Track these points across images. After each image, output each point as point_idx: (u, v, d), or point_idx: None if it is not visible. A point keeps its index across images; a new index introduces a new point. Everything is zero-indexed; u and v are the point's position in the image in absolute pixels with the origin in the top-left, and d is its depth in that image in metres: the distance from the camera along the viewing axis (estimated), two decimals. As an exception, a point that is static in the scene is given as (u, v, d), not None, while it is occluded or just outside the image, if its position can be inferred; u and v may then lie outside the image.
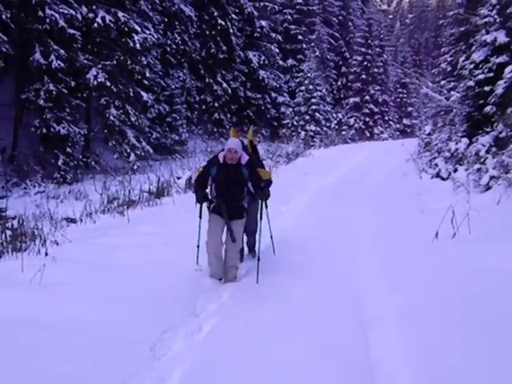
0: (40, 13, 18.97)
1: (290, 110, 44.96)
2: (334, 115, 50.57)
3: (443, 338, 5.36)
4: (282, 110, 44.61)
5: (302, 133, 42.49)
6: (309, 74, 43.97)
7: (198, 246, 8.33)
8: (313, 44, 52.25)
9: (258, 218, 8.50)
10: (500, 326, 5.36)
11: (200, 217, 8.19)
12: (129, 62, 23.43)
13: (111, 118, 22.80)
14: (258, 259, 8.06)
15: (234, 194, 7.81)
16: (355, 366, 5.13)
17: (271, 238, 9.43)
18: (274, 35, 44.36)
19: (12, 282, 7.07)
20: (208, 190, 8.08)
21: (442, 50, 34.80)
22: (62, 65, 19.50)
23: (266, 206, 8.70)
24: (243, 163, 7.66)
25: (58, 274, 7.33)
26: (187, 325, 6.27)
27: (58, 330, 5.63)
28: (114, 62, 22.93)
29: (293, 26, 52.16)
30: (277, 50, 44.61)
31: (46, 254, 8.54)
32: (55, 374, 4.82)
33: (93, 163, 22.91)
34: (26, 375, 4.73)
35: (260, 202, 8.43)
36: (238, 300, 7.23)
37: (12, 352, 5.11)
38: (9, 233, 10.01)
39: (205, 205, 8.17)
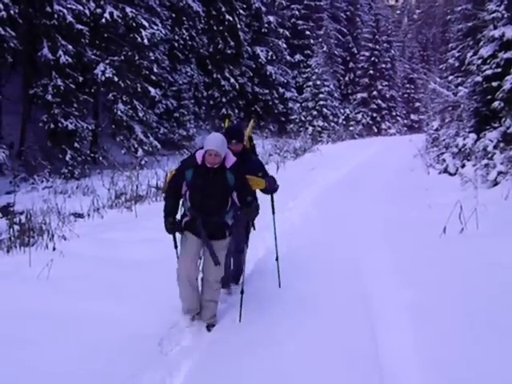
0: (48, 8, 19.01)
1: (298, 105, 44.91)
2: (342, 111, 50.51)
3: (451, 332, 5.36)
4: (290, 105, 44.54)
5: (310, 128, 42.44)
6: (316, 70, 43.90)
7: None
8: (320, 39, 52.12)
9: (248, 234, 7.30)
10: (507, 321, 5.36)
11: (175, 246, 6.40)
12: (136, 58, 23.46)
13: (119, 113, 22.83)
14: (242, 292, 6.51)
15: (215, 207, 6.07)
16: (364, 361, 5.13)
17: (277, 260, 7.70)
18: (281, 30, 44.28)
19: (20, 276, 7.11)
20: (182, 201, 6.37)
21: (450, 45, 34.67)
22: (70, 60, 19.55)
23: (274, 212, 7.80)
24: (228, 166, 5.92)
25: (66, 268, 7.37)
26: (193, 324, 6.32)
27: (65, 324, 5.67)
28: (122, 57, 22.97)
29: (300, 22, 52.08)
30: (284, 46, 44.56)
31: (54, 249, 8.58)
32: (61, 368, 4.86)
33: (100, 158, 22.96)
34: (33, 368, 4.78)
35: (270, 200, 7.59)
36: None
37: (21, 345, 5.16)
38: (17, 228, 10.07)
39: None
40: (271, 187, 7.13)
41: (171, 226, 6.13)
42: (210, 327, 6.35)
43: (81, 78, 21.03)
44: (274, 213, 7.80)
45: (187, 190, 6.10)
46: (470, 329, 5.35)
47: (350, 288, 7.18)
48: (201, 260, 6.36)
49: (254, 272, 8.27)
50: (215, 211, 6.10)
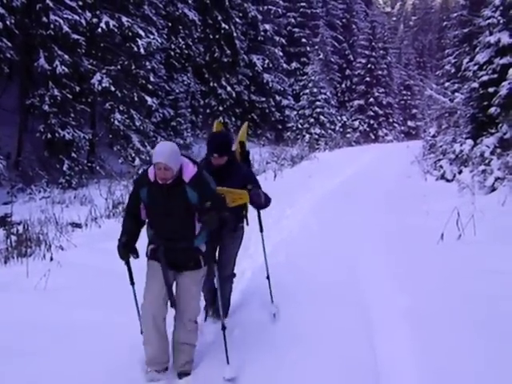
0: (44, 18, 19.00)
1: (295, 113, 45.02)
2: (339, 118, 50.67)
3: (449, 339, 5.36)
4: (287, 113, 44.61)
5: (307, 136, 42.55)
6: (313, 77, 44.05)
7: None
8: (317, 47, 52.22)
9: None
10: (505, 327, 5.36)
11: (131, 282, 5.50)
12: (133, 67, 23.44)
13: (116, 122, 22.80)
14: (223, 328, 5.38)
15: (178, 230, 5.09)
16: (362, 368, 5.12)
17: (268, 278, 7.07)
18: (277, 38, 44.37)
19: (17, 287, 7.10)
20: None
21: (446, 51, 34.85)
22: (67, 70, 19.51)
23: (262, 230, 7.04)
24: (187, 180, 4.93)
25: (63, 278, 7.35)
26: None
27: (64, 335, 5.66)
28: (119, 66, 22.95)
29: (296, 29, 52.23)
30: (281, 54, 44.64)
31: (51, 259, 8.55)
32: (61, 378, 4.85)
33: (98, 168, 22.92)
34: (32, 379, 4.77)
35: (258, 216, 6.83)
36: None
37: (20, 356, 5.16)
38: (14, 238, 10.04)
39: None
40: (256, 202, 6.23)
41: (123, 248, 5.16)
42: (182, 376, 5.24)
43: (77, 88, 21.00)
44: (261, 230, 7.04)
45: (145, 212, 5.20)
46: (468, 336, 5.35)
47: (348, 295, 7.17)
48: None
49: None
50: (180, 236, 5.10)
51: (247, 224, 6.63)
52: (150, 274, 5.23)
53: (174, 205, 4.96)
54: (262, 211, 6.86)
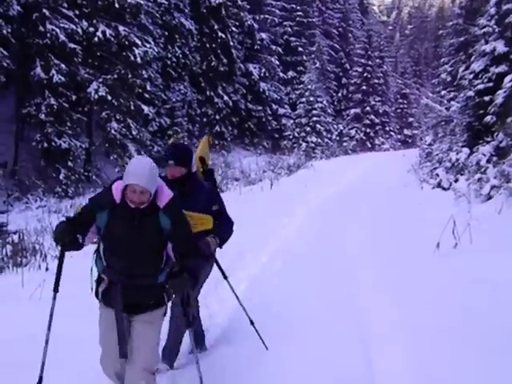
0: (41, 27, 19.05)
1: (291, 121, 45.13)
2: (335, 126, 50.78)
3: (446, 350, 5.33)
4: (283, 121, 44.74)
5: (303, 144, 42.65)
6: (309, 86, 44.16)
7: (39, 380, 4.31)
8: (313, 56, 52.41)
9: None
10: (503, 338, 5.34)
11: (55, 289, 4.50)
12: (129, 76, 23.48)
13: (112, 131, 22.82)
14: (197, 362, 4.42)
15: (144, 265, 4.19)
16: (357, 379, 5.10)
17: (252, 324, 5.97)
18: (274, 47, 44.61)
19: (12, 297, 7.08)
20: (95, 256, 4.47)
21: (442, 60, 34.91)
22: (63, 79, 19.55)
23: (225, 277, 6.08)
24: (162, 205, 4.10)
25: (59, 289, 7.32)
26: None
27: (62, 346, 5.62)
28: (115, 75, 22.98)
29: (293, 38, 52.37)
30: (277, 62, 44.82)
31: (47, 269, 8.54)
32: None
33: (94, 177, 22.94)
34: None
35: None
36: None
37: (12, 368, 5.12)
38: (9, 248, 10.03)
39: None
40: (204, 251, 5.16)
41: (68, 226, 4.08)
42: None
43: (74, 97, 21.05)
44: (225, 277, 6.05)
45: (100, 241, 4.27)
46: (464, 347, 5.33)
47: (344, 306, 7.15)
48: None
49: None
50: (144, 271, 4.21)
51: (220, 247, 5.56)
52: (106, 322, 4.36)
53: (143, 234, 4.06)
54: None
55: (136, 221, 4.03)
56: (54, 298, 4.45)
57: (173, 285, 4.20)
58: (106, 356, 4.38)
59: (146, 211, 4.03)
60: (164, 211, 4.09)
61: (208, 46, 36.48)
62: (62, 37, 19.53)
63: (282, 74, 46.92)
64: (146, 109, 24.48)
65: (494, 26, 16.74)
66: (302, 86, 45.99)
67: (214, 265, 5.83)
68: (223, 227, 5.54)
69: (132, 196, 3.93)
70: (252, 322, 5.96)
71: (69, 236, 4.06)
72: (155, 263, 4.23)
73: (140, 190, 3.88)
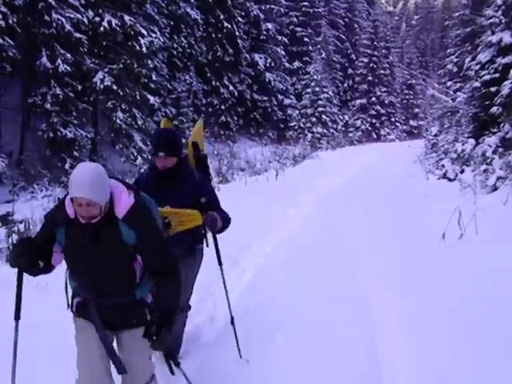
0: (46, 17, 19.01)
1: (297, 112, 45.06)
2: (341, 117, 50.67)
3: (451, 342, 5.33)
4: (289, 112, 44.70)
5: (309, 135, 42.61)
6: (315, 76, 44.08)
7: None
8: (319, 46, 52.31)
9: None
10: (508, 328, 5.34)
11: (16, 317, 3.90)
12: (135, 66, 23.43)
13: (118, 121, 22.80)
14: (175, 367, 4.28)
15: (113, 283, 3.74)
16: (362, 370, 5.11)
17: (232, 323, 5.57)
18: (280, 38, 44.49)
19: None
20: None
21: (448, 51, 34.82)
22: (69, 69, 19.52)
23: (220, 263, 5.57)
24: (121, 216, 3.56)
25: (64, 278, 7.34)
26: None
27: (62, 333, 5.64)
28: (121, 65, 22.94)
29: (299, 29, 52.23)
30: (283, 53, 44.72)
31: (53, 257, 8.54)
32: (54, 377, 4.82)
33: (100, 167, 22.93)
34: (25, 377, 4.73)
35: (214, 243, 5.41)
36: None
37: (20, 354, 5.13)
38: (15, 237, 10.04)
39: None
40: (212, 227, 5.00)
41: (17, 253, 3.62)
42: None
43: (80, 87, 21.02)
44: (220, 263, 5.56)
45: (63, 258, 3.79)
46: (470, 338, 5.32)
47: (348, 296, 7.15)
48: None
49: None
50: (115, 289, 3.77)
51: (207, 245, 5.41)
52: (82, 339, 3.89)
53: (104, 251, 3.59)
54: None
55: (92, 237, 3.53)
56: (16, 328, 3.88)
57: (153, 345, 3.77)
58: (85, 378, 3.77)
59: (101, 224, 3.52)
60: (124, 221, 3.56)
61: (214, 35, 36.39)
62: (68, 26, 19.49)
63: (287, 65, 46.84)
64: (151, 99, 24.46)
65: (501, 17, 16.66)
66: (307, 76, 45.92)
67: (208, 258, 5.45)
68: (221, 214, 5.09)
69: (79, 210, 3.43)
70: (232, 321, 5.55)
71: (25, 258, 3.59)
72: (126, 280, 3.74)
73: (85, 202, 3.35)
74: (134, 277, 3.75)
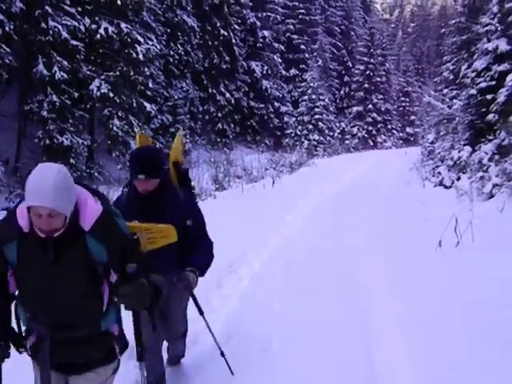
0: (43, 24, 19.02)
1: (293, 119, 45.17)
2: (337, 124, 50.78)
3: (448, 347, 5.33)
4: (285, 119, 44.79)
5: (306, 142, 42.68)
6: (311, 84, 44.19)
7: None
8: (315, 53, 52.40)
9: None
10: (504, 334, 5.35)
11: None
12: (132, 73, 23.45)
13: (114, 128, 22.79)
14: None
15: (73, 311, 3.09)
16: (359, 374, 5.11)
17: (222, 355, 5.12)
18: (276, 45, 44.60)
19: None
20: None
21: (444, 58, 34.88)
22: (65, 76, 19.51)
23: (201, 312, 4.99)
24: (87, 228, 2.96)
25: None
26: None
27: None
28: (117, 72, 22.96)
29: (295, 36, 52.35)
30: (279, 60, 44.83)
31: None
32: None
33: (96, 174, 22.90)
34: None
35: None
36: None
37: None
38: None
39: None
40: (188, 290, 4.65)
41: None
42: None
43: (76, 94, 21.00)
44: (201, 313, 4.98)
45: (14, 282, 3.08)
46: (466, 344, 5.33)
47: (345, 301, 7.15)
48: None
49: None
50: (77, 319, 3.12)
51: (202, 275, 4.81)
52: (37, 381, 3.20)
53: (67, 272, 2.95)
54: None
55: (51, 254, 2.89)
56: None
57: (124, 294, 2.91)
58: None
59: (64, 239, 2.89)
60: (92, 234, 2.94)
61: (210, 43, 36.50)
62: (65, 34, 19.50)
63: (284, 72, 46.94)
64: (148, 106, 24.46)
65: (497, 25, 16.73)
66: (304, 83, 46.04)
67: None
68: (202, 252, 4.66)
69: (38, 222, 2.78)
70: (222, 354, 5.10)
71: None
72: (92, 307, 3.12)
73: (47, 212, 2.71)
74: (101, 303, 3.13)
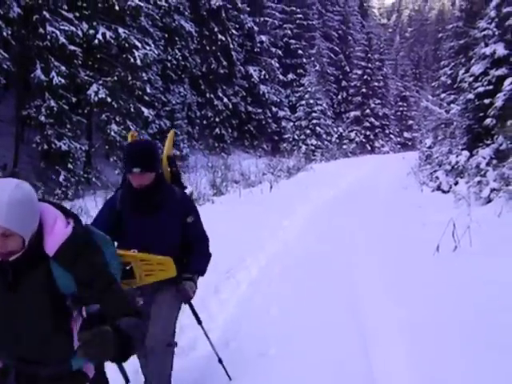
0: (41, 30, 19.03)
1: (291, 124, 45.20)
2: (335, 129, 50.83)
3: (446, 351, 5.32)
4: (283, 124, 44.84)
5: (303, 147, 42.70)
6: (309, 89, 44.20)
7: None
8: (313, 58, 52.49)
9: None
10: (503, 339, 5.34)
11: None
12: (129, 78, 23.46)
13: (112, 133, 22.78)
14: None
15: (38, 345, 2.61)
16: (357, 379, 5.10)
17: (220, 362, 5.02)
18: (274, 50, 44.67)
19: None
20: None
21: (442, 63, 34.99)
22: (63, 81, 19.52)
23: (199, 321, 4.84)
24: (52, 252, 2.47)
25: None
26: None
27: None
28: (115, 77, 22.98)
29: (293, 41, 52.46)
30: (277, 65, 44.92)
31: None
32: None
33: (94, 179, 22.89)
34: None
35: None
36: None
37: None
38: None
39: None
40: (186, 299, 4.39)
41: None
42: None
43: (74, 99, 21.02)
44: (199, 322, 4.83)
45: None
46: (465, 348, 5.32)
47: (343, 306, 7.14)
48: None
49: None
50: (44, 355, 2.67)
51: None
52: None
53: (27, 301, 2.51)
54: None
55: (9, 280, 2.49)
56: None
57: (82, 341, 2.19)
58: None
59: (22, 264, 2.47)
60: (57, 260, 2.49)
61: (208, 48, 36.53)
62: (62, 39, 19.51)
63: (281, 77, 47.05)
64: (145, 111, 24.47)
65: (494, 29, 16.74)
66: (301, 88, 46.04)
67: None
68: (201, 253, 4.52)
69: None
70: (220, 361, 4.99)
71: None
72: (59, 343, 2.65)
73: (0, 232, 2.32)
74: (71, 339, 2.65)
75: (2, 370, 2.73)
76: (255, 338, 6.13)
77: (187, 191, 5.17)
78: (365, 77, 56.53)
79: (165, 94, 30.40)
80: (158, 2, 29.43)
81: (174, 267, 3.89)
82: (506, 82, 15.18)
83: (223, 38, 36.64)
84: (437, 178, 18.69)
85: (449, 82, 30.39)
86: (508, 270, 7.11)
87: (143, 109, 24.34)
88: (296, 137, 44.04)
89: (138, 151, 4.11)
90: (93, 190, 20.99)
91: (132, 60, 23.14)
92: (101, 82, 22.39)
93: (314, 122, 44.18)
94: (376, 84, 56.74)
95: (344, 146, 51.40)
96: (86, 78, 21.88)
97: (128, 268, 3.22)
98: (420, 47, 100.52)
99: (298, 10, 54.27)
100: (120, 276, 2.86)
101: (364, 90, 56.34)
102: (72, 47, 20.21)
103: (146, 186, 4.09)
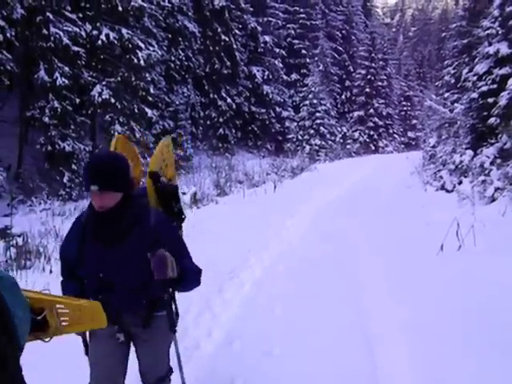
0: (44, 31, 19.05)
1: (295, 124, 45.16)
2: (339, 129, 50.73)
3: (450, 351, 5.32)
4: (287, 124, 44.80)
5: (307, 147, 42.65)
6: (313, 89, 44.15)
7: None
8: (316, 58, 52.44)
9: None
10: (507, 338, 5.33)
11: None
12: (133, 79, 23.46)
13: (116, 134, 22.74)
14: None
15: None
16: (361, 379, 5.09)
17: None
18: (277, 50, 44.65)
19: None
20: None
21: (446, 62, 34.96)
22: (67, 82, 19.54)
23: (174, 329, 3.66)
24: None
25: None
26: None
27: (59, 351, 5.60)
28: (119, 78, 22.98)
29: (296, 41, 52.45)
30: (280, 65, 44.90)
31: (51, 272, 8.51)
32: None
33: (98, 180, 22.90)
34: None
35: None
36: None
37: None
38: (14, 250, 10.01)
39: None
40: (160, 272, 3.26)
41: None
42: None
43: (78, 100, 21.02)
44: (174, 331, 3.71)
45: None
46: (468, 348, 5.31)
47: (347, 306, 7.14)
48: None
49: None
50: None
51: (175, 310, 3.75)
52: None
53: None
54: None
55: None
56: None
57: None
58: None
59: None
60: None
61: (211, 48, 36.54)
62: (66, 40, 19.53)
63: (285, 77, 47.06)
64: (149, 112, 24.47)
65: (498, 28, 16.74)
66: (305, 88, 45.99)
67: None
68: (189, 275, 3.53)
69: None
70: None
71: None
72: None
73: None
74: None
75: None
76: (259, 337, 6.14)
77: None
78: (368, 76, 56.48)
79: (168, 94, 30.39)
80: (162, 3, 29.45)
81: (103, 317, 2.64)
82: (510, 81, 15.16)
83: (226, 39, 36.65)
84: (441, 177, 18.66)
85: (452, 81, 30.37)
86: (512, 269, 7.10)
87: (147, 109, 24.35)
88: (300, 137, 44.02)
89: (97, 165, 3.30)
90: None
91: (135, 60, 23.14)
92: (104, 82, 22.39)
93: (318, 121, 44.14)
94: (380, 84, 56.70)
95: (348, 146, 51.38)
96: (89, 78, 21.89)
97: (39, 318, 2.22)
98: (423, 46, 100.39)
99: (302, 10, 54.30)
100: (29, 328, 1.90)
101: (368, 89, 56.30)
102: (75, 48, 20.21)
103: (111, 209, 3.30)
